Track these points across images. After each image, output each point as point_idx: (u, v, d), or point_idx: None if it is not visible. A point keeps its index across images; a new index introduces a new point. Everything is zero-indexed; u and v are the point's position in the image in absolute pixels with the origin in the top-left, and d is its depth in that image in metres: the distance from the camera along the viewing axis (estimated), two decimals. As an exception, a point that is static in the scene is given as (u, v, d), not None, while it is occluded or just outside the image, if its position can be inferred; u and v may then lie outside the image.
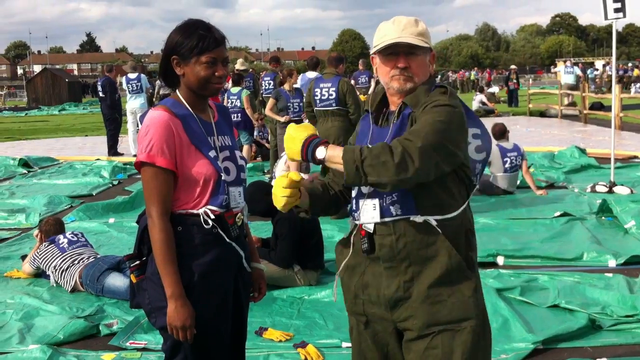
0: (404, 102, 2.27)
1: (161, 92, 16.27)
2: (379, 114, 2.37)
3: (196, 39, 2.40)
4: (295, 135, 2.18)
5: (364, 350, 2.39)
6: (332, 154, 2.13)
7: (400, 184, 2.06)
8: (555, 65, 29.09)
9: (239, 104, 11.26)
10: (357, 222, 2.31)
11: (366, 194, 2.25)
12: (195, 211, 2.43)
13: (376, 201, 2.22)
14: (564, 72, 23.31)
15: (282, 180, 2.25)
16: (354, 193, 2.34)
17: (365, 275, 2.30)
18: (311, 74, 9.90)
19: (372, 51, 2.33)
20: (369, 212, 2.24)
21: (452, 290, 2.22)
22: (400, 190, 2.17)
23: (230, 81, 11.56)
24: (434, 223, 2.20)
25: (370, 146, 2.11)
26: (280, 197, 2.25)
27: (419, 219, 2.19)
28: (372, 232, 2.24)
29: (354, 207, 2.34)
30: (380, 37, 2.27)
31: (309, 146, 2.16)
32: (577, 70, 24.27)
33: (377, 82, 2.53)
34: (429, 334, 2.21)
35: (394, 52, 2.23)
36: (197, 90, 2.46)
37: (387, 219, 2.21)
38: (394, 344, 2.32)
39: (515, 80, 25.24)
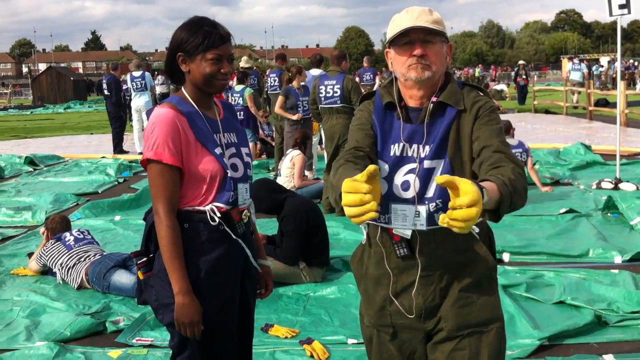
0: (440, 101, 2.14)
1: (158, 90, 16.10)
2: (399, 108, 2.20)
3: (202, 36, 2.40)
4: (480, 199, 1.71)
5: None
6: (490, 187, 1.85)
7: None
8: (561, 63, 28.99)
9: (241, 102, 11.28)
10: (385, 226, 2.17)
11: (406, 198, 2.10)
12: (201, 208, 2.43)
13: (422, 208, 2.09)
14: (572, 69, 23.33)
15: (355, 183, 1.71)
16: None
17: (395, 285, 2.21)
18: (315, 72, 9.90)
19: (386, 42, 2.20)
20: (409, 218, 2.12)
21: (481, 292, 2.19)
22: (445, 196, 2.04)
23: (235, 79, 11.58)
24: (476, 230, 2.15)
25: (509, 176, 1.91)
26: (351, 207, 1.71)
27: None
28: (409, 237, 2.13)
29: (378, 210, 2.21)
30: (393, 28, 2.15)
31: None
32: (584, 68, 24.26)
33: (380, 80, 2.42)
34: (459, 335, 2.17)
35: (409, 41, 2.11)
36: (202, 87, 2.46)
37: (431, 228, 2.10)
38: (421, 350, 2.27)
39: (524, 76, 24.95)
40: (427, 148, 2.11)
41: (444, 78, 2.20)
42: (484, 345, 2.17)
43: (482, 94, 2.21)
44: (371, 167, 1.71)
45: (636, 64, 42.98)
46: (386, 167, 2.13)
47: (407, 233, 2.13)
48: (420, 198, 2.10)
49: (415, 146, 2.12)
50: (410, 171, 2.11)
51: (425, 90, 2.17)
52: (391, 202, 2.14)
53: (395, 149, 2.14)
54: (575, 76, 22.85)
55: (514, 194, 1.90)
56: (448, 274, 2.16)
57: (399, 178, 2.13)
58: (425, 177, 2.10)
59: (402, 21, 2.14)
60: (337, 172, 2.07)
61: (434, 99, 2.16)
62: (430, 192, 2.10)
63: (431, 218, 2.10)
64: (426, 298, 2.18)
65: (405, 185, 2.11)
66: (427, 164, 2.10)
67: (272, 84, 10.81)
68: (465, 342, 2.17)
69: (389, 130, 2.18)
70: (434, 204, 2.10)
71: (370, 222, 2.16)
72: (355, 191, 1.70)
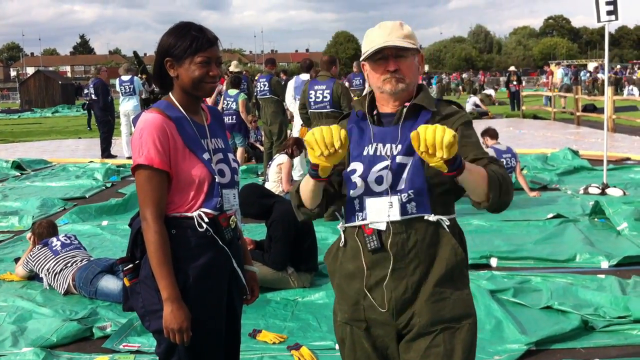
0: (414, 103, 2.27)
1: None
2: (370, 116, 2.35)
3: (189, 39, 2.40)
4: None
5: (359, 358, 2.34)
6: (471, 165, 2.07)
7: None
8: (549, 67, 29.36)
9: (234, 107, 11.27)
10: (361, 223, 2.26)
11: (380, 192, 2.22)
12: (189, 214, 2.42)
13: (394, 198, 2.20)
14: (565, 75, 23.78)
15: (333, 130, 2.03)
16: (355, 192, 2.27)
17: (368, 279, 2.25)
18: (305, 76, 9.90)
19: (361, 59, 2.35)
20: (382, 210, 2.21)
21: (453, 287, 2.24)
22: (416, 188, 2.19)
23: (225, 83, 11.57)
24: (447, 223, 2.22)
25: (493, 167, 2.13)
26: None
27: (432, 218, 2.20)
28: (382, 230, 2.21)
29: (357, 208, 2.27)
30: (368, 43, 2.30)
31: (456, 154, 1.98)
32: (572, 73, 24.87)
33: None
34: (432, 332, 2.21)
35: (383, 56, 2.26)
36: (191, 90, 2.46)
37: (404, 217, 2.20)
38: (393, 347, 2.30)
39: (515, 82, 25.01)
40: (400, 146, 2.23)
41: (417, 88, 2.34)
42: (458, 342, 2.22)
43: (456, 107, 2.36)
44: (344, 131, 2.04)
45: (620, 68, 43.30)
46: (361, 166, 2.25)
47: (381, 225, 2.22)
48: (392, 190, 2.22)
49: (388, 145, 2.26)
50: (384, 168, 2.23)
51: (401, 99, 2.31)
52: (366, 197, 2.25)
53: (368, 150, 2.28)
54: (568, 81, 23.34)
55: (503, 180, 2.10)
56: (420, 267, 2.22)
57: (372, 175, 2.24)
58: (397, 171, 2.22)
59: (375, 37, 2.29)
60: (297, 184, 2.34)
61: (406, 104, 2.30)
62: (403, 185, 2.21)
63: (404, 208, 2.21)
64: (398, 291, 2.22)
65: (379, 180, 2.23)
66: (399, 159, 2.22)
67: (261, 89, 10.79)
68: (440, 339, 2.21)
69: (363, 134, 2.32)
70: (406, 194, 2.20)
71: (348, 224, 2.30)
72: (332, 135, 2.02)
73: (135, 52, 18.91)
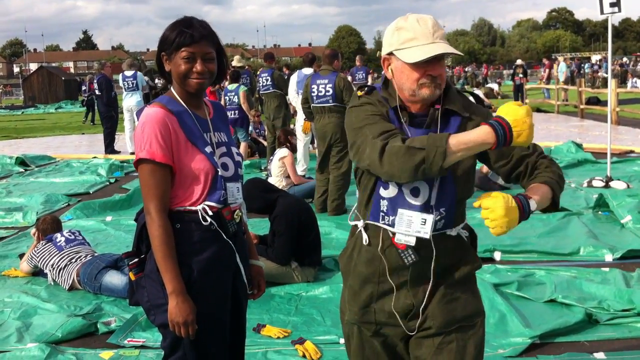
0: (447, 108, 2.14)
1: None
2: (401, 112, 2.18)
3: (175, 34, 2.42)
4: (509, 206, 2.01)
5: (368, 356, 2.34)
6: (540, 199, 2.12)
7: None
8: (547, 60, 29.29)
9: (236, 101, 11.26)
10: (387, 228, 2.18)
11: (414, 205, 2.13)
12: (193, 208, 2.43)
13: (429, 217, 2.12)
14: (566, 68, 23.81)
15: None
16: (386, 193, 2.17)
17: (384, 284, 2.24)
18: (307, 71, 9.89)
19: (407, 61, 2.07)
20: (414, 225, 2.13)
21: (464, 288, 2.25)
22: (447, 205, 2.14)
23: (228, 78, 11.57)
24: (466, 234, 2.23)
25: (547, 172, 2.20)
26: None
27: (453, 232, 2.20)
28: (412, 245, 2.15)
29: (383, 209, 2.19)
30: (408, 39, 2.09)
31: (523, 207, 2.06)
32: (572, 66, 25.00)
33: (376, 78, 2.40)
34: (445, 331, 2.22)
35: (427, 59, 2.05)
36: (180, 85, 2.47)
37: (433, 234, 2.15)
38: (402, 345, 2.31)
39: (521, 75, 24.89)
40: None
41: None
42: (469, 338, 2.23)
43: (476, 102, 2.28)
44: None
45: (627, 61, 43.17)
46: None
47: (412, 240, 2.15)
48: (427, 206, 2.13)
49: None
50: None
51: (428, 102, 2.16)
52: (398, 206, 2.16)
53: None
54: (569, 74, 23.45)
55: (560, 180, 2.20)
56: (438, 276, 2.21)
57: (408, 184, 2.12)
58: (431, 184, 2.13)
59: (417, 34, 2.08)
60: (393, 144, 2.00)
61: (437, 105, 2.16)
62: (434, 200, 2.14)
63: (435, 225, 2.15)
64: (416, 299, 2.21)
65: (415, 192, 2.13)
66: None
67: (264, 84, 10.76)
68: (452, 336, 2.22)
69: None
70: (438, 212, 2.14)
71: (371, 222, 2.22)
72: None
73: (141, 59, 19.08)
